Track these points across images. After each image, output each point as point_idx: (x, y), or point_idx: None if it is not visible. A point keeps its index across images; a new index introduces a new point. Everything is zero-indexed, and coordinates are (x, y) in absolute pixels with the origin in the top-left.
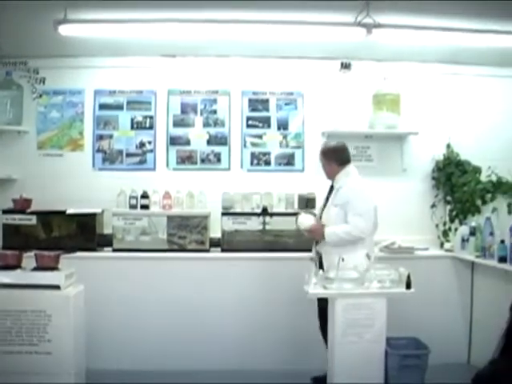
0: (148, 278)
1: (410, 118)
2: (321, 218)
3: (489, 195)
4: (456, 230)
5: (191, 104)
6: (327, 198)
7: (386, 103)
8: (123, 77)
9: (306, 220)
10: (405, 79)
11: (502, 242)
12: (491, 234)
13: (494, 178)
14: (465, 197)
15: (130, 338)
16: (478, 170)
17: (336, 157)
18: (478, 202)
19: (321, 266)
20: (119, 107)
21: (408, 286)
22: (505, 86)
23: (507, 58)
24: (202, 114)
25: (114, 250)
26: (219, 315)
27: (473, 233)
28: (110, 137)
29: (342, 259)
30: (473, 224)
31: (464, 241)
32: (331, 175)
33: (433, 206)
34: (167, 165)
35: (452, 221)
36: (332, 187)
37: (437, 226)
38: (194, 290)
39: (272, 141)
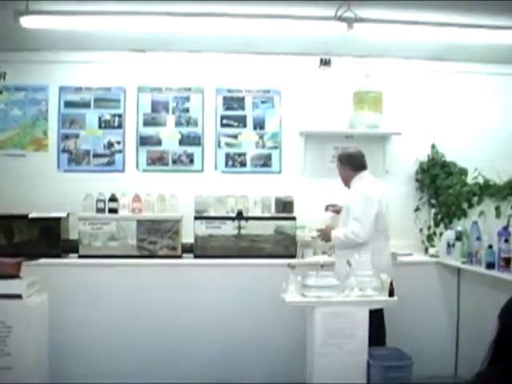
0: (116, 286)
1: (392, 117)
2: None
3: (475, 198)
4: (441, 234)
5: (162, 102)
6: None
7: (367, 102)
8: (90, 73)
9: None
10: (388, 76)
11: (490, 247)
12: (478, 238)
13: (480, 180)
14: (450, 200)
15: (96, 352)
16: (464, 172)
17: (351, 162)
18: (464, 206)
19: None
20: (86, 105)
21: (391, 293)
22: (493, 83)
23: (496, 54)
24: (173, 113)
25: (80, 257)
26: (192, 325)
27: (459, 238)
28: (76, 136)
29: (349, 264)
30: (459, 228)
31: (450, 246)
32: (346, 181)
33: (416, 209)
34: (137, 166)
35: (437, 225)
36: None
37: (421, 230)
38: (166, 298)
39: (248, 141)
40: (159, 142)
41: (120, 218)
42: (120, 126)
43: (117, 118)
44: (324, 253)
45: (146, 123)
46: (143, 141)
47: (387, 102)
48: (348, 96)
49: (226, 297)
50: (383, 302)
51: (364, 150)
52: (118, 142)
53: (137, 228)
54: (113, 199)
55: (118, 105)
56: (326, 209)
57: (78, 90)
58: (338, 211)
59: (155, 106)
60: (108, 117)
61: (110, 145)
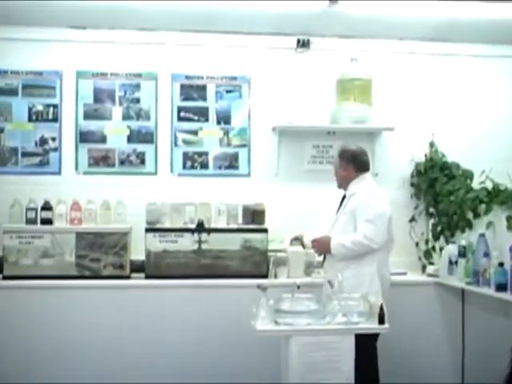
0: (50, 313)
1: (383, 109)
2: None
3: (482, 206)
4: (441, 249)
5: (107, 90)
6: (338, 211)
7: (353, 91)
8: (18, 53)
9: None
10: (378, 61)
11: (501, 264)
12: (486, 254)
13: (489, 185)
14: (452, 208)
15: None
16: (468, 175)
17: (356, 161)
18: (469, 215)
19: None
20: (12, 92)
21: (381, 319)
22: (504, 68)
23: (508, 34)
24: (121, 104)
25: (6, 278)
26: (143, 360)
27: (462, 253)
28: (1, 131)
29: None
30: (462, 242)
31: (452, 263)
32: (345, 182)
33: (412, 219)
34: (76, 167)
35: (436, 238)
36: (344, 197)
37: (417, 244)
38: (111, 327)
39: (210, 138)
40: (103, 139)
41: (55, 230)
42: (55, 119)
43: (51, 109)
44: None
45: (88, 116)
46: (84, 137)
47: (377, 91)
48: (330, 84)
49: (184, 325)
50: (372, 329)
51: None
52: (53, 139)
53: (76, 242)
54: (46, 207)
55: (53, 93)
56: (291, 243)
57: (3, 73)
58: (304, 245)
59: (98, 95)
60: (40, 107)
61: (44, 141)
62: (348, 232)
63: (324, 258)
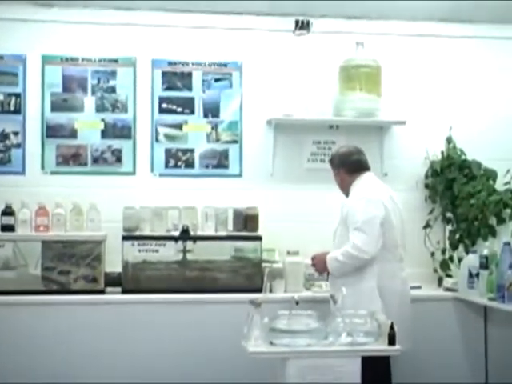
0: (11, 333)
1: (394, 100)
2: None
3: (507, 211)
4: (460, 260)
5: (78, 78)
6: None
7: (359, 79)
8: None
9: None
10: (388, 45)
11: None
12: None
13: None
14: (473, 213)
15: None
16: (491, 175)
17: (345, 164)
18: (492, 221)
19: None
20: None
21: (391, 340)
22: None
23: None
24: (94, 93)
25: None
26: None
27: (485, 265)
28: None
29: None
30: (485, 252)
31: (472, 276)
32: (345, 187)
33: (426, 226)
34: (42, 166)
35: (454, 247)
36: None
37: (432, 254)
38: (81, 349)
39: (196, 133)
40: (74, 134)
41: (18, 238)
42: (18, 111)
43: (13, 100)
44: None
45: (56, 107)
46: (51, 131)
47: (387, 79)
48: (333, 72)
49: (166, 346)
50: (381, 351)
51: None
52: (16, 133)
53: (42, 253)
54: (8, 212)
55: (15, 81)
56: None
57: None
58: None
59: (68, 84)
60: (0, 97)
61: (5, 137)
62: (344, 242)
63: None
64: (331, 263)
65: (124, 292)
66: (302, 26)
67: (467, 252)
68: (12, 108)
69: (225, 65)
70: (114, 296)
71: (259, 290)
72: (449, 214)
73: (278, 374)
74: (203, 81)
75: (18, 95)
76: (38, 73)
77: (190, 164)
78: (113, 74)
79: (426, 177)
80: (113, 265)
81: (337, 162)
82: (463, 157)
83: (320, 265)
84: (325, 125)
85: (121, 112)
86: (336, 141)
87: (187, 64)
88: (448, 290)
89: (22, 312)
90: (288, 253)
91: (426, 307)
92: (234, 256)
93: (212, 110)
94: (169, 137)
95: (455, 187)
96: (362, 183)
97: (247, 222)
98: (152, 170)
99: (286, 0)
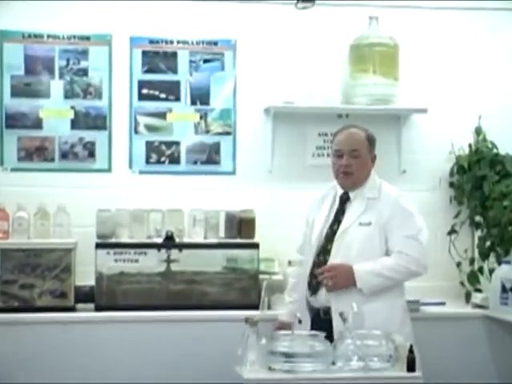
0: None
1: (413, 84)
2: (324, 253)
3: None
4: (492, 272)
5: (43, 58)
6: (338, 216)
7: (373, 60)
8: None
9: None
10: (406, 20)
11: None
12: None
13: None
14: (506, 216)
15: None
16: None
17: (373, 150)
18: None
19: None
20: None
21: (411, 365)
22: None
23: None
24: (62, 76)
25: None
26: None
27: None
28: None
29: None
30: None
31: (506, 291)
32: (363, 178)
33: (452, 231)
34: (1, 162)
35: (485, 257)
36: (345, 198)
37: (458, 265)
38: (47, 375)
39: (182, 123)
40: (38, 124)
41: None
42: None
43: None
44: None
45: (17, 92)
46: (11, 121)
47: (405, 60)
48: (342, 51)
49: (148, 371)
50: (398, 379)
51: None
52: None
53: (1, 263)
54: None
55: None
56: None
57: None
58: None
59: (31, 65)
60: None
61: None
62: (373, 251)
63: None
64: (367, 278)
65: (98, 309)
66: None
67: (499, 262)
68: None
69: (215, 43)
70: (86, 314)
71: (256, 307)
72: (478, 218)
73: None
74: (190, 62)
75: None
76: None
77: (175, 159)
78: (84, 53)
79: (451, 174)
80: (84, 277)
81: (373, 143)
82: (495, 151)
83: (342, 278)
84: (332, 114)
85: (94, 98)
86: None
87: (171, 42)
88: (477, 306)
89: None
90: (289, 263)
91: (451, 327)
92: (227, 267)
93: (201, 97)
94: (150, 127)
95: (485, 186)
96: (378, 179)
97: (242, 227)
98: (130, 166)
99: None
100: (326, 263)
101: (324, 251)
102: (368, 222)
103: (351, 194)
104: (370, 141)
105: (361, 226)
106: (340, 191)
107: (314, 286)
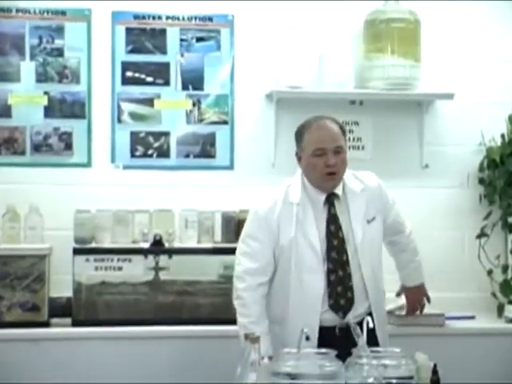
0: None
1: (437, 66)
2: (341, 266)
3: None
4: None
5: (12, 36)
6: (333, 222)
7: (391, 38)
8: None
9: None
10: None
11: None
12: None
13: None
14: None
15: None
16: None
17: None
18: None
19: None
20: None
21: None
22: None
23: None
24: (34, 57)
25: None
26: None
27: None
28: None
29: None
30: None
31: None
32: (342, 176)
33: (482, 234)
34: None
35: None
36: (332, 200)
37: (490, 273)
38: None
39: (172, 111)
40: (7, 112)
41: None
42: None
43: None
44: None
45: None
46: None
47: (428, 38)
48: (355, 28)
49: None
50: None
51: (384, 128)
52: None
53: None
54: None
55: None
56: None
57: None
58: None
59: None
60: None
61: None
62: (379, 245)
63: (350, 293)
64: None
65: (75, 324)
66: None
67: None
68: None
69: (210, 19)
70: (62, 330)
71: None
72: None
73: None
74: (181, 40)
75: None
76: None
77: (163, 153)
78: (59, 30)
79: (481, 169)
80: (60, 288)
81: (345, 132)
82: None
83: (421, 298)
84: (344, 100)
85: (70, 83)
86: (359, 121)
87: (159, 18)
88: (511, 321)
89: None
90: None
91: (481, 344)
92: (224, 275)
93: (193, 81)
94: (135, 116)
95: None
96: None
97: (241, 229)
98: (113, 160)
99: None
100: (351, 277)
101: (339, 264)
102: (373, 217)
103: (339, 193)
104: (343, 130)
105: (369, 224)
106: (307, 198)
107: (342, 306)
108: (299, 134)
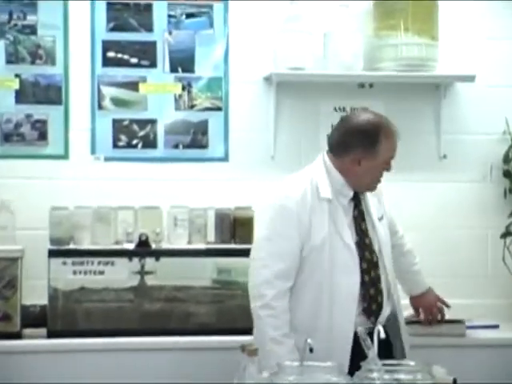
0: None
1: (457, 45)
2: (373, 267)
3: None
4: None
5: None
6: (361, 220)
7: (404, 14)
8: None
9: None
10: None
11: None
12: None
13: None
14: None
15: None
16: None
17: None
18: None
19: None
20: None
21: None
22: None
23: None
24: (3, 36)
25: None
26: None
27: None
28: None
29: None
30: None
31: None
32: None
33: (507, 233)
34: None
35: None
36: (358, 194)
37: None
38: None
39: (159, 95)
40: None
41: None
42: None
43: None
44: None
45: None
46: None
47: (446, 15)
48: (364, 3)
49: None
50: None
51: (397, 114)
52: None
53: None
54: None
55: None
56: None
57: None
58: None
59: None
60: None
61: None
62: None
63: (380, 296)
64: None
65: (51, 335)
66: None
67: None
68: None
69: None
70: (36, 341)
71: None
72: None
73: None
74: (169, 17)
75: None
76: None
77: (150, 143)
78: (32, 5)
79: (506, 160)
80: (34, 294)
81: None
82: None
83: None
84: (352, 83)
85: (45, 64)
86: (369, 106)
87: None
88: None
89: None
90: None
91: (506, 356)
92: (217, 280)
93: (183, 62)
94: (118, 102)
95: None
96: None
97: (237, 228)
98: (93, 151)
99: None
100: (380, 278)
101: (372, 264)
102: (381, 215)
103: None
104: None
105: (381, 223)
106: (335, 193)
107: (373, 310)
108: (372, 137)
